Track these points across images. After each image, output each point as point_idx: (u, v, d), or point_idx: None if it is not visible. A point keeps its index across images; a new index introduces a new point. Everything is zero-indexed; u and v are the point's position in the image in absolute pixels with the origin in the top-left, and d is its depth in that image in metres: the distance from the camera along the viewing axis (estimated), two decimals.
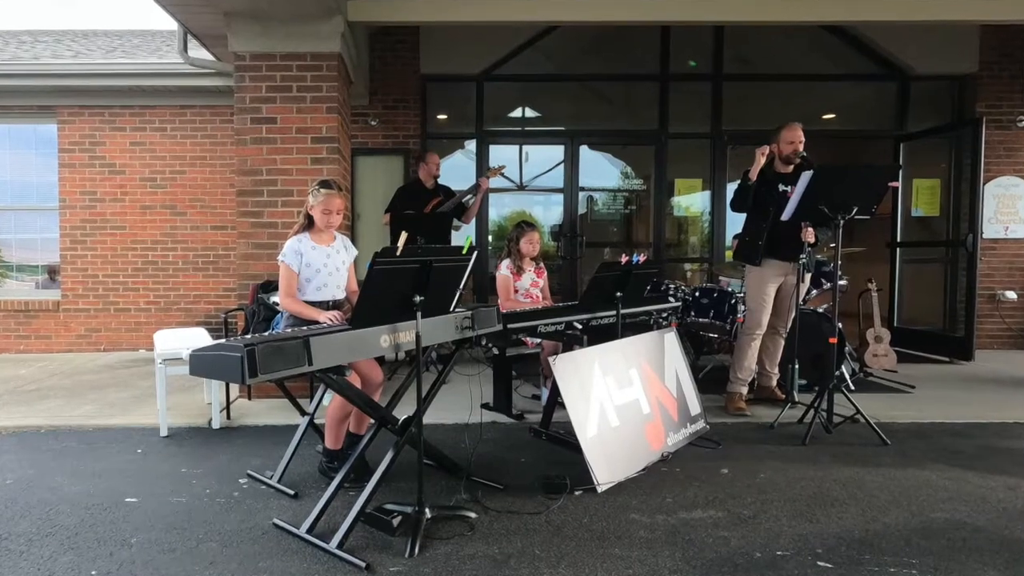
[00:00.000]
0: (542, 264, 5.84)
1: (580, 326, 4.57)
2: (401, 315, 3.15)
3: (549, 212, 9.38)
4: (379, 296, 3.04)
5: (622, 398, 4.13)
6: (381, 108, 8.39)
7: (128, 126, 8.44)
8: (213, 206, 8.50)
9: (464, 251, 3.31)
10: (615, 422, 4.00)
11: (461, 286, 3.46)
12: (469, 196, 7.13)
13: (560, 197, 8.91)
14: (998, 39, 8.40)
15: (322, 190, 3.87)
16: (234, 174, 6.09)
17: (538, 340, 5.24)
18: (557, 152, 8.92)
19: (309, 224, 3.93)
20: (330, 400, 3.91)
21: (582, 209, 9.00)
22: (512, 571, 2.91)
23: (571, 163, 8.82)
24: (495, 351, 5.28)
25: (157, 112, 8.43)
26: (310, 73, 5.85)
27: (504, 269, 5.64)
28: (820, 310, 6.03)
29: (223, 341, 2.88)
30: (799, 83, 8.77)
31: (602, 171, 9.32)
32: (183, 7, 5.92)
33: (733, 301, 6.11)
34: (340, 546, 3.06)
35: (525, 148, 9.06)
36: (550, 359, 3.91)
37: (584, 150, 8.95)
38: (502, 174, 7.25)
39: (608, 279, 4.50)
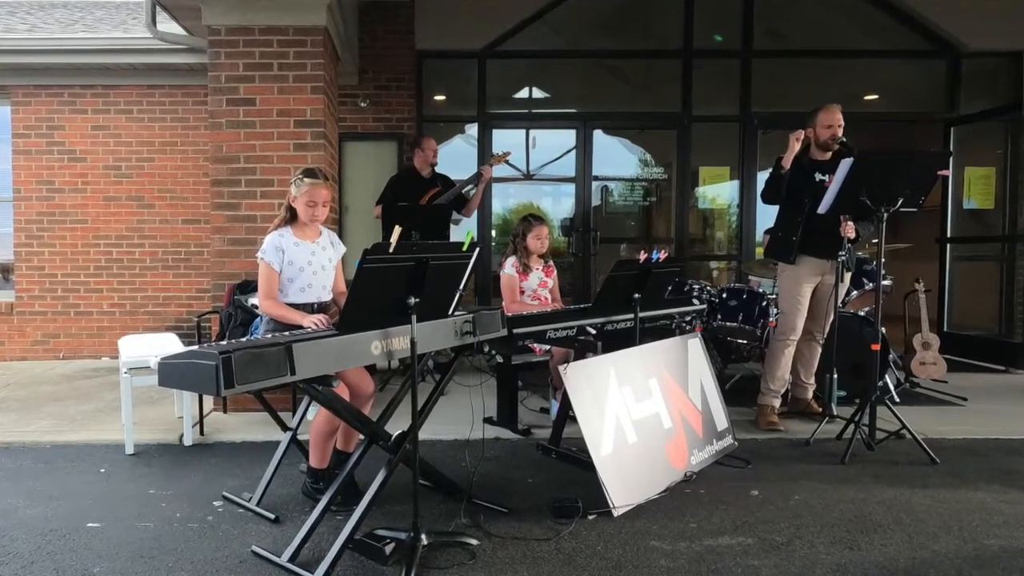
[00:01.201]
0: (551, 262, 5.84)
1: (593, 331, 4.58)
2: (394, 319, 3.15)
3: (559, 204, 9.39)
4: (370, 298, 3.04)
5: (640, 411, 4.14)
6: (372, 88, 8.40)
7: (90, 108, 8.47)
8: (185, 197, 8.51)
9: (464, 248, 3.31)
10: (633, 438, 4.00)
11: (461, 287, 3.46)
12: (470, 187, 7.13)
13: (571, 187, 8.93)
14: None
15: (306, 179, 3.87)
16: (208, 162, 6.09)
17: (547, 347, 5.24)
18: (568, 137, 8.93)
19: (292, 218, 3.94)
20: (315, 414, 3.91)
21: (596, 201, 9.00)
22: None
23: (584, 149, 8.83)
24: (499, 359, 5.29)
25: (122, 92, 8.45)
26: (293, 49, 5.85)
27: (509, 268, 5.64)
28: (861, 313, 6.02)
29: (196, 348, 2.88)
30: (838, 60, 8.75)
31: (618, 158, 9.33)
32: None
33: (764, 303, 6.10)
34: None
35: (532, 133, 9.08)
36: (560, 368, 3.92)
37: (598, 135, 8.97)
38: (507, 162, 7.25)
39: (625, 279, 4.50)
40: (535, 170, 9.08)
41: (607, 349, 4.31)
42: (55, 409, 6.04)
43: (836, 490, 4.15)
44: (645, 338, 4.55)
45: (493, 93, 8.80)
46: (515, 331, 4.25)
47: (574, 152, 8.89)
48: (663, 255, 4.61)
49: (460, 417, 5.33)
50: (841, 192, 4.75)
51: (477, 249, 3.36)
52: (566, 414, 4.39)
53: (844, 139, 5.23)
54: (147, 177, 8.51)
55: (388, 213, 6.79)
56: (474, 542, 3.42)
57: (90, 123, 8.48)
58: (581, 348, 4.55)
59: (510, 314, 4.39)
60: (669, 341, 4.62)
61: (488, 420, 5.38)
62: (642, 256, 4.56)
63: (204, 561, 3.30)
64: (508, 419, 5.34)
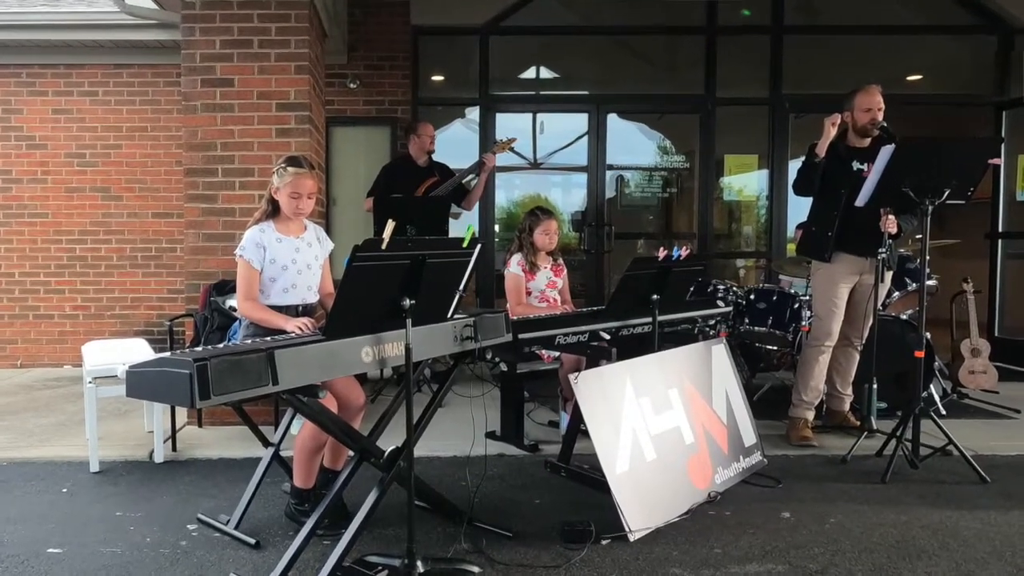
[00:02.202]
0: (561, 260, 5.84)
1: (608, 336, 4.57)
2: (387, 323, 3.15)
3: (569, 196, 9.40)
4: (360, 300, 3.04)
5: (660, 425, 4.13)
6: (363, 68, 8.41)
7: (51, 90, 8.49)
8: (155, 188, 8.53)
9: (465, 244, 3.31)
10: (651, 455, 4.00)
11: (461, 287, 3.46)
12: (471, 176, 7.13)
13: (583, 178, 8.93)
14: None
15: (290, 169, 3.87)
16: (181, 149, 6.09)
17: (556, 353, 5.24)
18: (579, 122, 8.94)
19: (274, 211, 3.94)
20: (300, 428, 3.91)
21: (610, 192, 9.01)
22: None
23: (597, 136, 8.83)
24: (503, 367, 5.29)
25: (86, 73, 8.47)
26: (275, 25, 5.86)
27: (514, 266, 5.64)
28: (904, 317, 6.01)
29: (168, 355, 2.89)
30: (878, 36, 8.74)
31: (635, 145, 9.33)
32: None
33: (797, 305, 6.10)
34: None
35: (540, 117, 9.08)
36: (570, 377, 3.92)
37: (613, 120, 8.96)
38: (512, 149, 7.25)
39: (642, 278, 4.50)
40: (543, 158, 9.08)
41: (622, 356, 4.30)
42: (12, 423, 6.05)
43: (876, 512, 4.15)
44: (664, 344, 4.56)
45: (497, 73, 8.81)
46: (521, 336, 4.24)
47: (586, 139, 8.89)
48: (684, 252, 4.61)
49: (460, 431, 5.33)
50: (881, 182, 4.74)
51: (479, 246, 3.37)
52: (577, 428, 4.39)
53: (884, 124, 5.22)
54: (114, 166, 8.53)
55: (380, 206, 6.79)
56: (476, 570, 3.42)
57: (51, 106, 8.50)
58: (594, 355, 4.55)
59: (515, 317, 4.39)
60: (691, 347, 4.62)
61: (491, 435, 5.39)
62: (661, 253, 4.56)
63: None
64: (513, 433, 5.34)
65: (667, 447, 4.10)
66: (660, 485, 3.96)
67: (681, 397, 4.31)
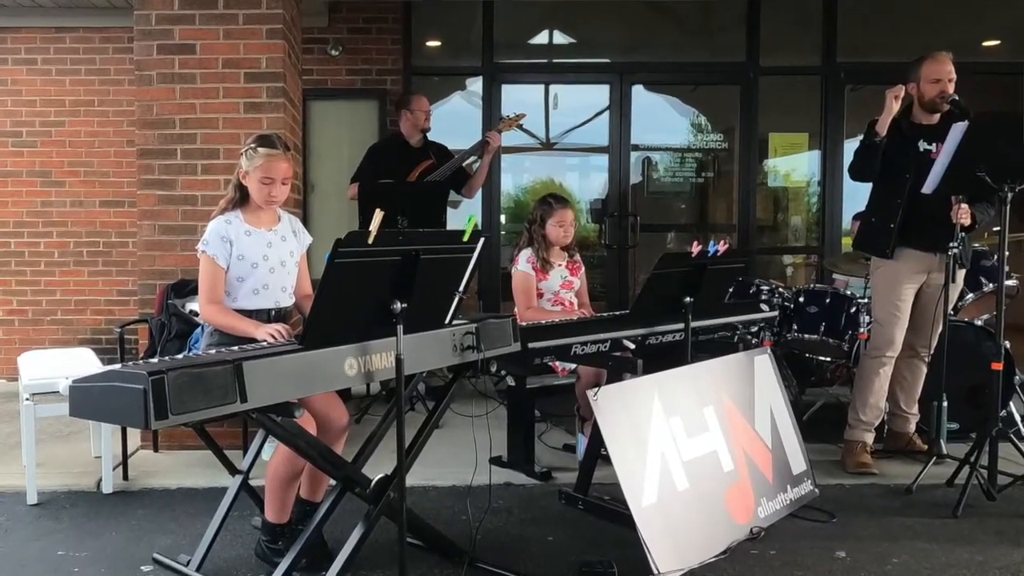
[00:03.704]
0: (578, 257, 5.85)
1: (632, 345, 4.57)
2: (374, 330, 3.15)
3: (588, 181, 9.41)
4: (343, 303, 3.05)
5: (693, 449, 4.12)
6: (346, 32, 8.42)
7: None
8: (104, 173, 8.55)
9: (466, 237, 3.31)
10: (683, 483, 3.98)
11: (461, 288, 3.47)
12: (473, 159, 7.14)
13: (603, 160, 8.95)
14: None
15: (260, 150, 3.86)
16: (134, 127, 6.09)
17: (572, 366, 5.24)
18: (600, 95, 8.95)
19: (242, 199, 3.94)
20: (272, 453, 3.92)
21: (635, 177, 9.02)
22: None
23: (620, 111, 8.85)
24: (510, 381, 5.28)
25: (23, 38, 8.49)
26: None
27: (524, 264, 5.65)
28: (979, 323, 6.00)
29: (118, 367, 2.89)
30: None
31: (664, 122, 9.33)
32: None
33: (853, 310, 6.09)
34: None
35: (553, 89, 9.09)
36: (589, 393, 3.91)
37: (639, 92, 8.97)
38: (520, 126, 7.25)
39: (672, 278, 4.49)
40: (557, 137, 9.10)
41: (650, 368, 4.29)
42: None
43: (946, 551, 4.14)
44: (699, 355, 4.55)
45: (503, 38, 8.82)
46: (531, 346, 4.24)
47: (607, 114, 8.91)
48: (722, 247, 4.60)
49: (460, 457, 5.33)
50: (952, 165, 4.74)
51: (482, 240, 3.37)
52: (598, 452, 4.37)
53: (956, 97, 5.21)
54: (55, 146, 8.55)
55: (366, 193, 6.79)
56: None
57: None
58: (617, 367, 4.55)
59: (525, 323, 4.39)
60: (730, 358, 4.61)
61: (496, 461, 5.39)
62: (695, 248, 4.56)
63: None
64: (522, 459, 5.35)
65: (702, 475, 4.08)
66: (694, 519, 3.95)
67: (718, 417, 4.30)
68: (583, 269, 5.84)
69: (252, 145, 3.90)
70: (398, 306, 3.07)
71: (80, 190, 8.55)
